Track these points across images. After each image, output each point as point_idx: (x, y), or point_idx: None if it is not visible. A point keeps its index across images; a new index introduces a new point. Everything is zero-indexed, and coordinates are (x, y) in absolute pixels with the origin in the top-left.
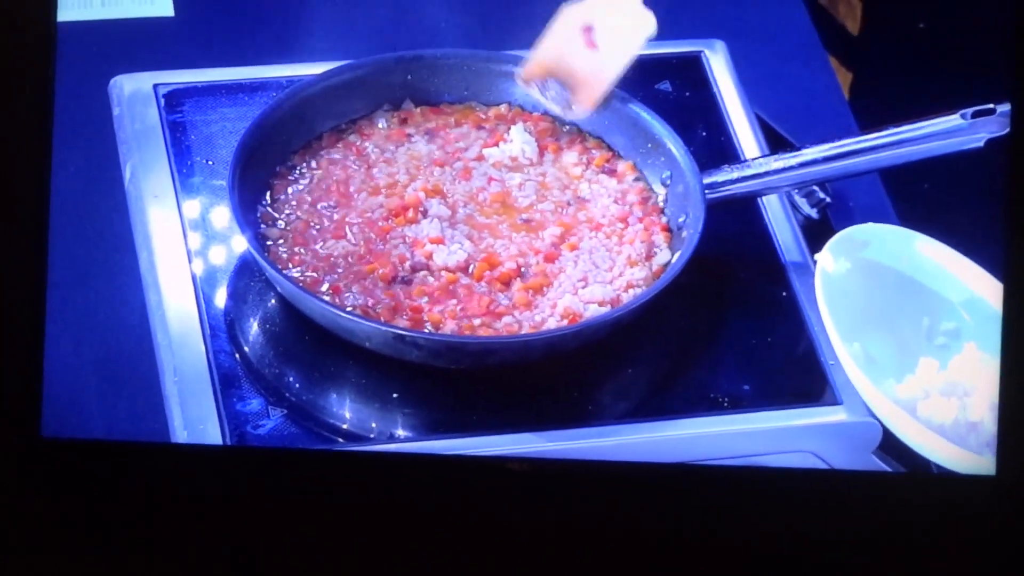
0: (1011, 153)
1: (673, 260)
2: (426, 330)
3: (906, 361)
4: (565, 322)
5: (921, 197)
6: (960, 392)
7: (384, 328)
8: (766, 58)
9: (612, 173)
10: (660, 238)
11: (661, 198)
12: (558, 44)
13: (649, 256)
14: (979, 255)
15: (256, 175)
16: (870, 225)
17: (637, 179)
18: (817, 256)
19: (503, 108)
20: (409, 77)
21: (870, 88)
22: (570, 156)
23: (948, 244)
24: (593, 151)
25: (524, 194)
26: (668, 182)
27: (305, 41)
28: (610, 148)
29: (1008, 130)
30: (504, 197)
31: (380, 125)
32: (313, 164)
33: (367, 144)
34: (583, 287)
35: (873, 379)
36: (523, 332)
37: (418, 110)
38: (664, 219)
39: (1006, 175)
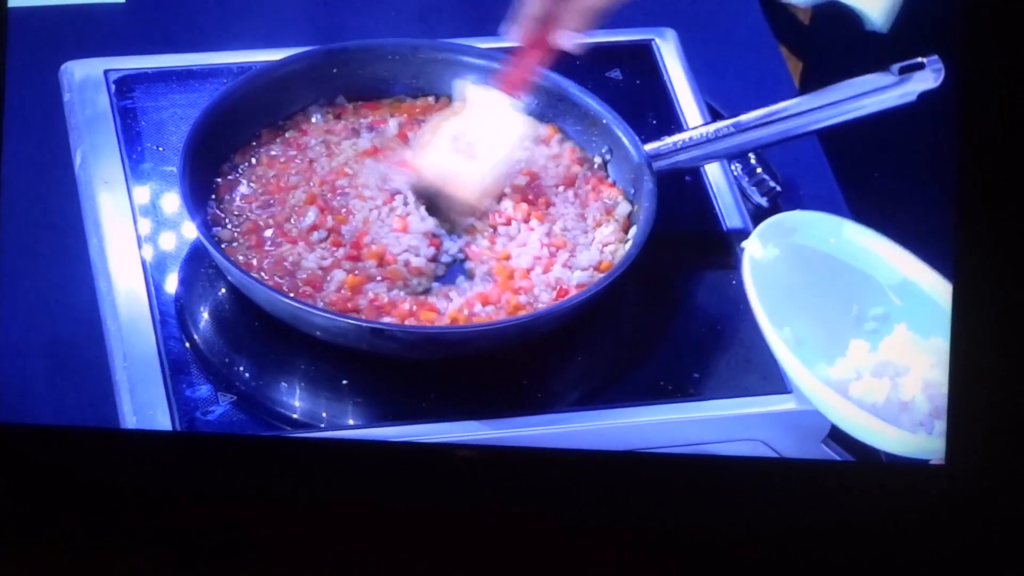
0: (960, 143)
1: (636, 210)
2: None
3: (837, 344)
4: (553, 293)
5: (871, 184)
6: (891, 372)
7: (363, 324)
8: (717, 47)
9: (538, 141)
10: (612, 192)
11: (598, 164)
12: (435, 159)
13: (609, 211)
14: (927, 241)
15: (202, 177)
16: (797, 212)
17: (563, 140)
18: (744, 243)
19: (430, 100)
20: (335, 70)
21: (820, 77)
22: None
23: (897, 230)
24: None
25: None
26: (608, 156)
27: (255, 27)
28: None
29: (939, 83)
30: None
31: (315, 120)
32: (254, 161)
33: (308, 139)
34: (569, 256)
35: (805, 362)
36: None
37: (351, 106)
38: (610, 180)
39: (954, 159)
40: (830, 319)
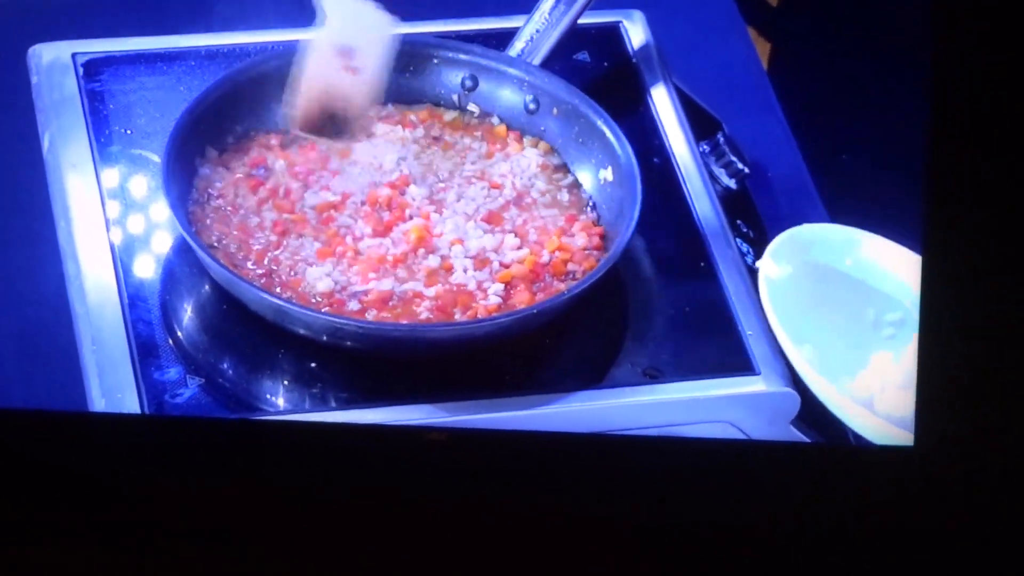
0: (929, 123)
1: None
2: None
3: (858, 357)
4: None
5: (839, 165)
6: (914, 383)
7: (384, 328)
8: (685, 29)
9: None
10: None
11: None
12: (319, 79)
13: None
14: (895, 222)
15: (183, 172)
16: (808, 226)
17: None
18: (759, 263)
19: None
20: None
21: (789, 59)
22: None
23: (865, 212)
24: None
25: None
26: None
27: (224, 10)
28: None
29: None
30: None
31: (203, 172)
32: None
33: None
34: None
35: (828, 378)
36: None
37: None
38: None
39: (924, 140)
40: (849, 331)
